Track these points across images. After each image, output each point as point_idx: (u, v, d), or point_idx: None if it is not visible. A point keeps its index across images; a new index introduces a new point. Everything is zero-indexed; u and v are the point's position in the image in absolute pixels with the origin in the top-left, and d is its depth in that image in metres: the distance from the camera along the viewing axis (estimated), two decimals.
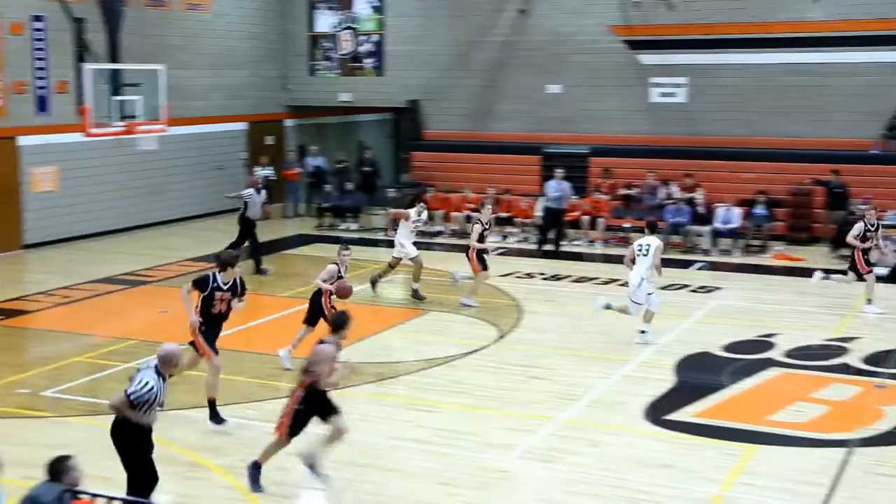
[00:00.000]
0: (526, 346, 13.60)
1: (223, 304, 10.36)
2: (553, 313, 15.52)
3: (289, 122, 28.15)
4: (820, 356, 12.92)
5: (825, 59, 22.55)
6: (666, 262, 19.44)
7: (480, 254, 15.78)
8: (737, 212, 20.75)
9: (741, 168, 22.67)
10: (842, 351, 13.13)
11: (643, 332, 13.53)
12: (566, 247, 21.04)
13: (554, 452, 9.70)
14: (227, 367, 10.77)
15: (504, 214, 22.47)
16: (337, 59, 27.37)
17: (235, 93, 26.09)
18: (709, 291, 17.06)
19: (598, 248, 21.21)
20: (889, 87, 21.98)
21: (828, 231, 20.69)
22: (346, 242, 13.75)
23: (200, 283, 10.30)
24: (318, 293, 12.38)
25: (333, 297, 12.16)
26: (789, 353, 13.05)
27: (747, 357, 12.87)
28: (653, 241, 13.39)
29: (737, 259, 20.06)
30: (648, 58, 24.19)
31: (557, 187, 20.88)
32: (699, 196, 21.29)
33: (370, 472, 9.17)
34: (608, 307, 13.84)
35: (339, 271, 12.52)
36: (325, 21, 27.27)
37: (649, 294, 13.44)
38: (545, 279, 18.11)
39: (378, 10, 26.78)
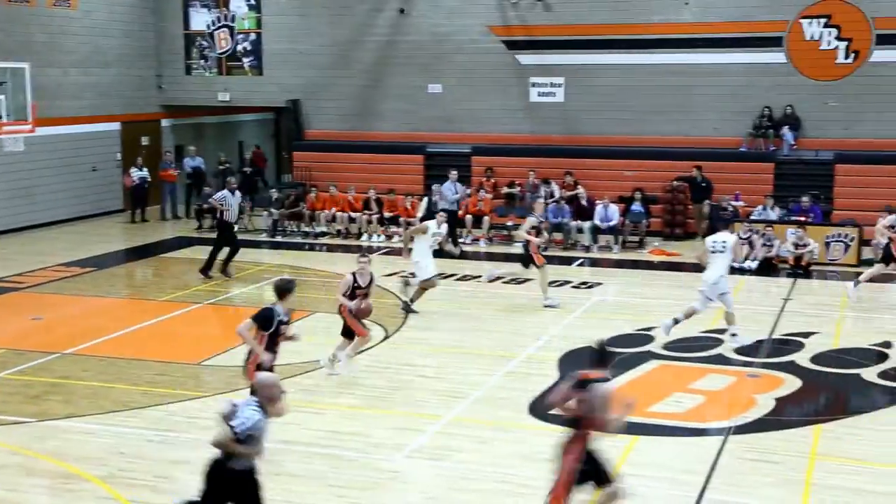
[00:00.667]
0: (413, 345, 13.60)
1: (285, 336, 9.60)
2: (439, 312, 15.56)
3: (165, 122, 27.47)
4: (697, 348, 13.33)
5: (696, 60, 23.33)
6: (547, 259, 19.88)
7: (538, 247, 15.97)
8: (615, 209, 21.25)
9: (619, 166, 23.25)
10: (717, 343, 13.57)
11: (734, 334, 13.37)
12: (450, 246, 21.11)
13: (442, 451, 9.72)
14: (104, 374, 10.43)
15: (388, 214, 22.45)
16: (214, 57, 26.85)
17: (107, 92, 25.32)
18: (590, 287, 17.41)
19: (483, 247, 21.39)
20: (755, 88, 22.90)
21: (700, 225, 21.43)
22: (364, 250, 13.17)
23: (264, 322, 9.33)
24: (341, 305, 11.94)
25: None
26: (668, 346, 13.42)
27: (628, 350, 13.17)
28: (728, 238, 13.39)
29: (616, 255, 20.53)
30: (527, 58, 24.54)
31: (454, 189, 20.92)
32: (583, 191, 21.76)
33: None
34: (676, 322, 13.44)
35: (356, 281, 11.86)
36: (201, 19, 26.72)
37: (724, 294, 13.31)
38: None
39: (255, 8, 26.40)
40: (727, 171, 22.31)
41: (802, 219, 20.03)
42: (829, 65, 22.57)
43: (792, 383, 11.79)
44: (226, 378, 11.84)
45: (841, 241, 19.15)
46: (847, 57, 22.45)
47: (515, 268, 16.65)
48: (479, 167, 23.80)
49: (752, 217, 20.38)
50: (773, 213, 20.56)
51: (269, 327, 9.34)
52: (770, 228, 19.44)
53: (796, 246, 18.85)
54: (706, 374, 12.23)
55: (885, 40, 22.04)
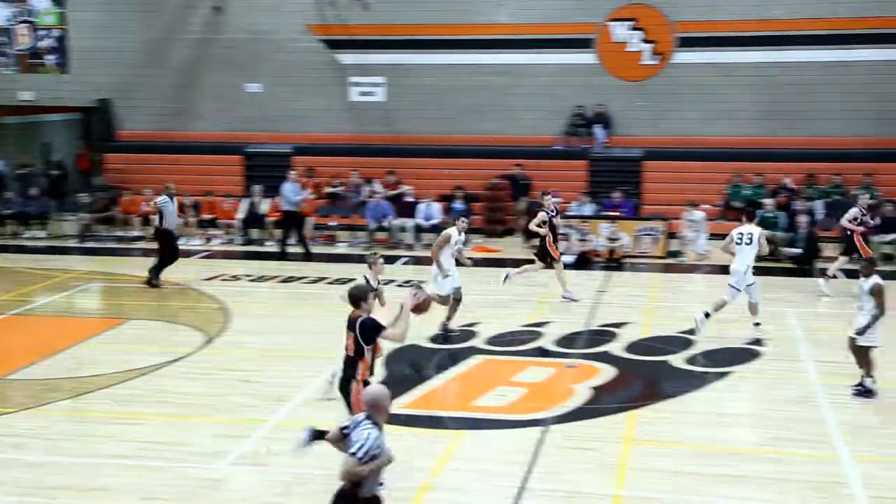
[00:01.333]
0: (234, 349, 13.29)
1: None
2: (261, 315, 15.28)
3: None
4: (518, 342, 13.63)
5: (513, 61, 23.91)
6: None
7: (554, 241, 15.87)
8: (437, 207, 21.48)
9: (440, 165, 23.52)
10: (536, 336, 13.92)
11: (757, 324, 13.60)
12: (272, 247, 20.82)
13: (267, 456, 9.53)
14: None
15: (207, 216, 21.89)
16: (14, 54, 25.41)
17: None
18: (413, 285, 17.47)
19: (294, 245, 21.14)
20: (569, 87, 23.69)
21: (520, 221, 21.97)
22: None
23: (372, 337, 8.46)
24: None
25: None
26: (490, 341, 13.66)
27: (452, 347, 13.33)
28: (755, 230, 13.62)
29: None
30: (347, 57, 24.47)
31: (296, 189, 20.45)
32: (408, 189, 21.90)
33: (64, 494, 8.56)
34: (708, 315, 13.57)
35: (368, 282, 11.01)
36: None
37: (750, 285, 13.51)
38: (252, 280, 17.81)
39: (58, 2, 25.14)
40: (544, 168, 22.97)
41: (615, 214, 20.85)
42: (635, 66, 23.62)
43: (607, 372, 12.24)
44: (35, 392, 11.22)
45: (650, 235, 20.05)
46: (651, 58, 23.56)
47: (532, 265, 16.33)
48: (300, 167, 23.52)
49: (567, 213, 21.05)
50: (588, 209, 21.31)
51: (374, 337, 8.45)
52: (585, 223, 20.15)
53: (610, 240, 19.62)
54: (527, 366, 12.51)
55: (686, 43, 23.26)
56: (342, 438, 6.72)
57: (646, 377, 12.48)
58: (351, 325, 8.47)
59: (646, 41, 23.58)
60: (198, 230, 21.75)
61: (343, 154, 23.70)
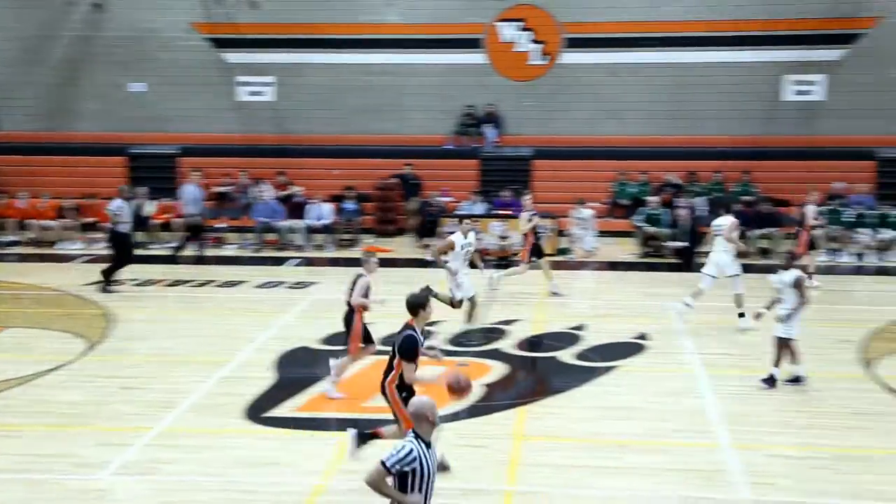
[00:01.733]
0: (118, 356, 12.92)
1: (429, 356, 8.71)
2: (147, 320, 14.89)
3: None
4: None
5: (403, 60, 23.92)
6: (261, 261, 19.61)
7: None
8: (328, 207, 21.33)
9: (331, 165, 23.36)
10: (427, 334, 13.88)
11: (742, 314, 13.74)
12: (157, 250, 20.34)
13: (153, 464, 9.29)
14: None
15: (89, 219, 21.22)
16: None
17: None
18: (305, 287, 17.33)
19: (193, 250, 20.71)
20: (459, 87, 23.84)
21: (412, 221, 21.99)
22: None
23: (411, 353, 8.45)
24: (350, 312, 11.17)
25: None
26: (383, 341, 13.59)
27: (344, 348, 13.21)
28: (725, 220, 14.18)
29: (330, 253, 20.61)
30: (234, 56, 24.09)
31: (197, 192, 19.93)
32: (298, 190, 21.67)
33: None
34: (688, 305, 13.98)
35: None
36: None
37: (735, 275, 13.82)
38: (137, 285, 17.34)
39: None
40: (435, 168, 23.05)
41: (505, 212, 21.04)
42: (524, 66, 23.92)
43: (499, 370, 12.34)
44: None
45: (540, 232, 20.24)
46: (540, 58, 23.90)
47: (518, 267, 16.46)
48: (186, 168, 23.01)
49: (458, 212, 21.15)
50: (479, 208, 21.46)
51: (416, 355, 8.43)
52: (476, 223, 20.24)
53: (500, 238, 19.81)
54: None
55: (574, 43, 23.67)
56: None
57: (536, 373, 12.64)
58: (402, 329, 8.55)
59: (534, 42, 23.90)
60: (78, 234, 21.05)
61: (231, 154, 23.31)
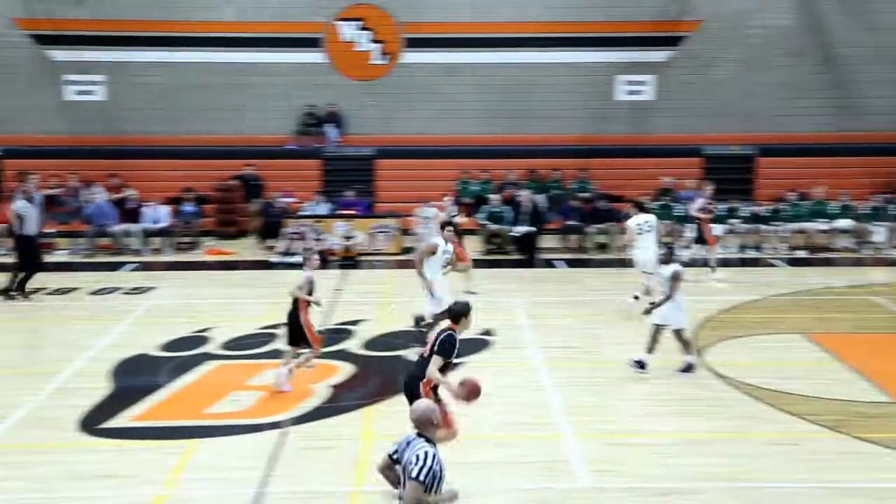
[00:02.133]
0: None
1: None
2: None
3: None
4: (254, 345, 13.36)
5: (241, 59, 23.53)
6: (96, 266, 18.85)
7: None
8: (165, 210, 20.68)
9: (168, 166, 22.66)
10: (272, 337, 13.70)
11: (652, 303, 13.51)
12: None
13: None
14: None
15: None
16: None
17: None
18: (142, 292, 16.75)
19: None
20: (299, 86, 23.59)
21: (254, 223, 21.58)
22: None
23: (450, 352, 8.46)
24: (294, 311, 11.10)
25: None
26: (225, 345, 13.31)
27: (184, 354, 12.86)
28: (650, 217, 14.71)
29: (169, 257, 19.99)
30: (61, 54, 23.03)
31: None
32: (132, 193, 20.88)
33: None
34: (637, 298, 14.19)
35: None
36: None
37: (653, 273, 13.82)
38: None
39: None
40: (277, 168, 22.70)
41: (349, 212, 20.95)
42: (365, 65, 23.87)
43: (346, 370, 12.25)
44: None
45: (384, 232, 20.30)
46: (381, 58, 23.90)
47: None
48: (10, 171, 21.85)
49: (302, 213, 20.93)
50: (322, 208, 21.28)
51: (450, 357, 8.50)
52: (320, 223, 20.11)
53: (345, 238, 19.71)
54: (263, 369, 12.28)
55: (413, 43, 23.78)
56: (392, 465, 6.28)
57: (383, 373, 12.61)
58: (440, 333, 8.69)
59: (374, 41, 23.87)
60: None
61: (59, 156, 22.27)
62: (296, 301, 11.34)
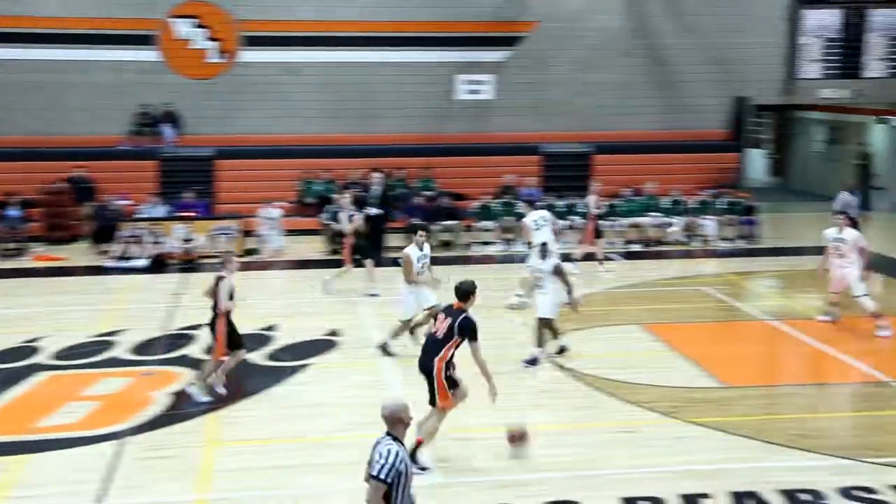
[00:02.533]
0: None
1: None
2: None
3: None
4: (88, 353, 12.80)
5: (67, 56, 22.49)
6: None
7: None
8: None
9: None
10: (109, 345, 13.17)
11: (519, 294, 14.65)
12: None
13: None
14: None
15: None
16: None
17: None
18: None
19: None
20: (132, 85, 22.75)
21: (87, 227, 20.67)
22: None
23: (475, 332, 8.98)
24: (216, 317, 10.80)
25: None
26: (57, 355, 12.70)
27: (11, 366, 12.20)
28: (544, 213, 15.26)
29: None
30: None
31: None
32: None
33: None
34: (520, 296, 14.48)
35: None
36: None
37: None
38: None
39: None
40: (110, 170, 21.81)
41: (188, 214, 20.37)
42: (201, 64, 23.26)
43: (187, 376, 11.89)
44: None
45: (226, 234, 19.83)
46: (218, 56, 23.35)
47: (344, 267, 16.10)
48: None
49: (138, 215, 20.21)
50: (160, 211, 20.61)
51: (478, 335, 9.00)
52: (158, 225, 19.47)
53: (184, 241, 19.15)
54: (100, 378, 11.79)
55: (253, 42, 23.34)
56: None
57: (227, 377, 12.30)
58: (451, 312, 9.06)
59: (210, 39, 23.29)
60: None
61: None
62: (215, 307, 10.97)
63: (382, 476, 5.79)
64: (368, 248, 16.59)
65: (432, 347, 9.10)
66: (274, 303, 15.98)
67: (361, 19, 23.63)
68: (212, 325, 11.11)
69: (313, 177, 22.56)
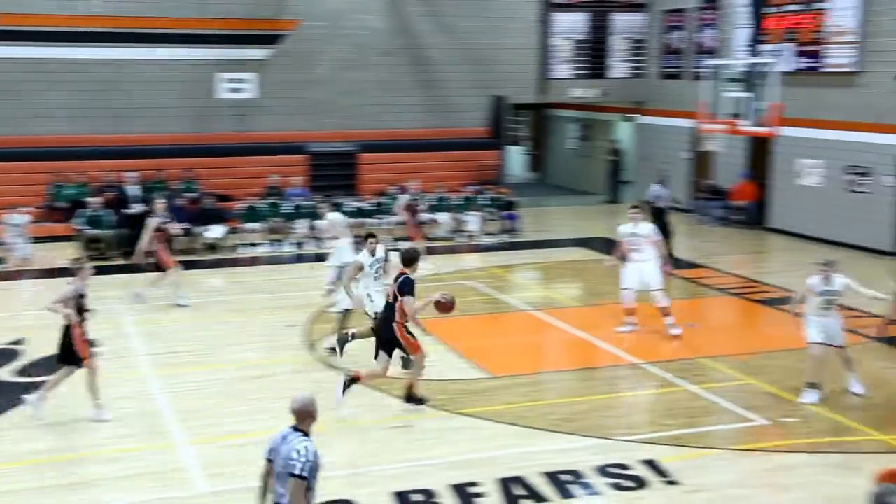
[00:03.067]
0: None
1: None
2: None
3: None
4: None
5: None
6: None
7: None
8: None
9: None
10: None
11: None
12: None
13: None
14: None
15: None
16: None
17: None
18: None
19: None
20: None
21: None
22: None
23: (412, 288, 10.23)
24: (67, 326, 10.03)
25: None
26: None
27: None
28: (336, 214, 15.26)
29: None
30: None
31: None
32: None
33: None
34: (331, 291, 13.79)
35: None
36: None
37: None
38: None
39: None
40: None
41: None
42: None
43: None
44: None
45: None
46: None
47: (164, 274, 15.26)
48: None
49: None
50: None
51: (414, 292, 10.13)
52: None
53: None
54: None
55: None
56: (270, 471, 5.99)
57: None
58: (396, 278, 10.35)
59: None
60: None
61: None
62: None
63: (304, 474, 5.78)
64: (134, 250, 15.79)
65: (388, 314, 10.29)
66: (23, 315, 14.95)
67: (114, 14, 22.50)
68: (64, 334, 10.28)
69: (64, 180, 21.29)
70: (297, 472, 5.76)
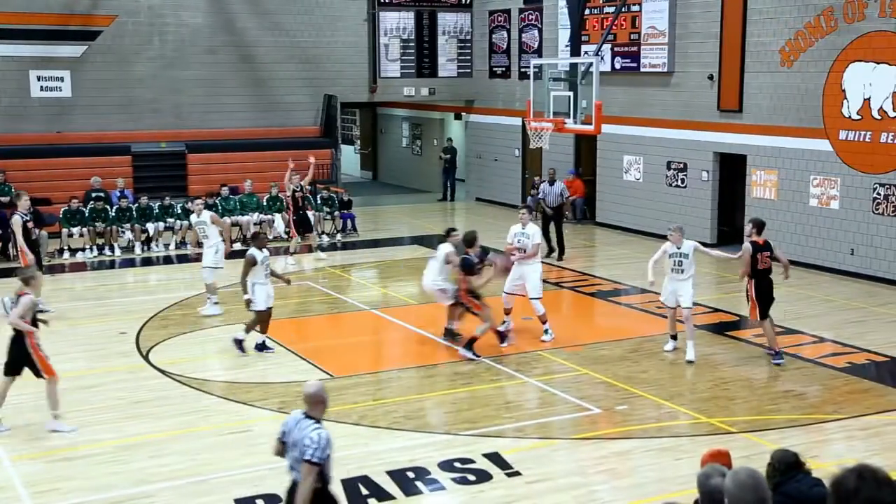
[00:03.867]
0: None
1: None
2: None
3: None
4: None
5: None
6: None
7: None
8: None
9: None
10: None
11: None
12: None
13: None
14: None
15: None
16: None
17: None
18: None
19: None
20: None
21: None
22: None
23: (473, 266, 12.38)
24: (18, 336, 9.58)
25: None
26: None
27: None
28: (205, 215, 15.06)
29: None
30: None
31: None
32: None
33: None
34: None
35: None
36: None
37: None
38: None
39: None
40: None
41: None
42: None
43: None
44: None
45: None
46: None
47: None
48: None
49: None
50: None
51: (474, 270, 12.22)
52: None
53: None
54: None
55: None
56: (281, 452, 6.28)
57: None
58: (461, 253, 12.36)
59: None
60: None
61: None
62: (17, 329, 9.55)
63: (318, 459, 6.04)
64: None
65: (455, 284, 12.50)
66: None
67: None
68: (15, 343, 9.76)
69: None
70: (312, 458, 6.06)
